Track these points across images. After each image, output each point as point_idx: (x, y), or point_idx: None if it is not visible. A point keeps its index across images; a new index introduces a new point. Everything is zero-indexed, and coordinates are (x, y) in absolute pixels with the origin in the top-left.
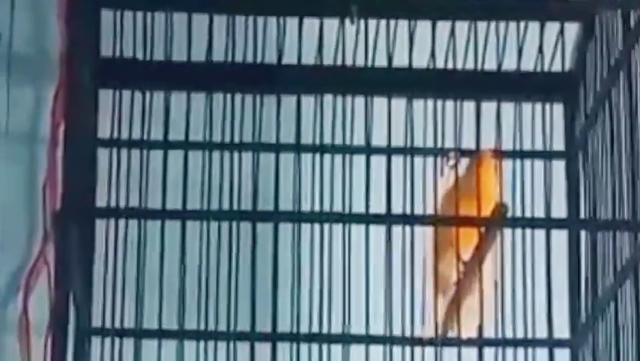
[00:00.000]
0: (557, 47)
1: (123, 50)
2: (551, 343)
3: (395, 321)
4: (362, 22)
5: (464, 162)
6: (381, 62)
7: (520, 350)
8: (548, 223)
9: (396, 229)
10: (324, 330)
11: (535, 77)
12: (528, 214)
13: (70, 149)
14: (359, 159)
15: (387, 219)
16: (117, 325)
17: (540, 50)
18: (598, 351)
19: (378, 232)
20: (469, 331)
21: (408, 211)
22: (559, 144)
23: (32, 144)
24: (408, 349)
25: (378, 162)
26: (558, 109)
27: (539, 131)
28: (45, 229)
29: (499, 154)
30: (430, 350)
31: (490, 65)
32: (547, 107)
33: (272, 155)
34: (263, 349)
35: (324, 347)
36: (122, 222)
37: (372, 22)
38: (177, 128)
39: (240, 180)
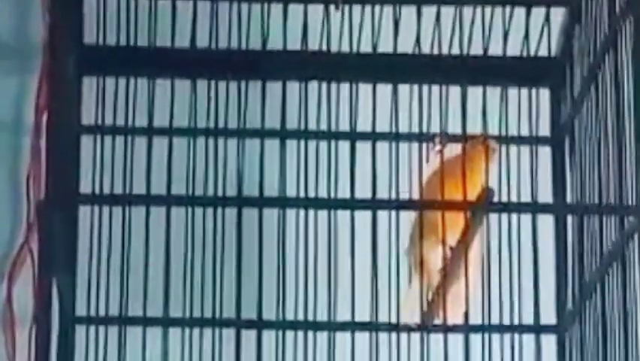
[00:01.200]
0: (543, 31)
1: (106, 37)
2: (538, 328)
3: (381, 308)
4: (347, 7)
5: (452, 147)
6: (366, 47)
7: (507, 336)
8: (535, 208)
9: (382, 215)
10: (310, 317)
11: (522, 62)
12: (514, 199)
13: (53, 136)
14: (344, 145)
15: (373, 204)
16: (102, 313)
17: (526, 35)
18: (585, 336)
19: (363, 217)
20: (455, 317)
21: (393, 197)
22: (545, 129)
23: (16, 133)
24: (394, 336)
25: (364, 147)
26: (544, 94)
27: (525, 116)
28: (29, 217)
29: (492, 141)
30: (415, 337)
31: (476, 50)
32: (534, 92)
33: (257, 141)
34: (248, 336)
35: (310, 334)
36: (106, 209)
37: (356, 8)
38: (161, 114)
39: (224, 167)
